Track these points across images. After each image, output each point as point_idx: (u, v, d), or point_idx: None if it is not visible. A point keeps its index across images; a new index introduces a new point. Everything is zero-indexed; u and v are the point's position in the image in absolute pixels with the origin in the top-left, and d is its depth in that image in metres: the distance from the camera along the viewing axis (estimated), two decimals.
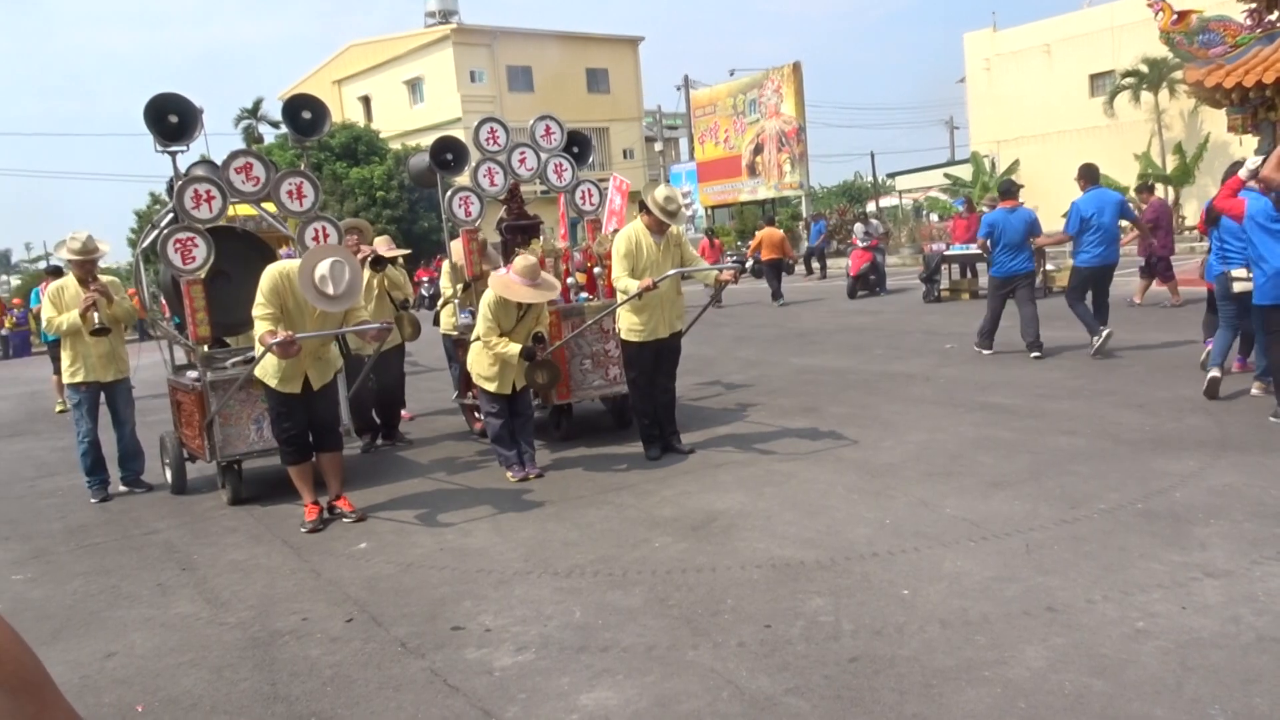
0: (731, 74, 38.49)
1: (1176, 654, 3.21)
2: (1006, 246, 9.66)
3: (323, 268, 5.36)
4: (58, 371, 12.58)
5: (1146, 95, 29.42)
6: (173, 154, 6.61)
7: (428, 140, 6.73)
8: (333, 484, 5.98)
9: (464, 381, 7.85)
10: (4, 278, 56.53)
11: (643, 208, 6.56)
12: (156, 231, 7.57)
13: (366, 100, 46.11)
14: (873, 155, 73.14)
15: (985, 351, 9.90)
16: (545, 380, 6.53)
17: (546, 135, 8.18)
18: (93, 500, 7.00)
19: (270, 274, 5.56)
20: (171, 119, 6.44)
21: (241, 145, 45.90)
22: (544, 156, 8.07)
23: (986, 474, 5.55)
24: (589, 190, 8.30)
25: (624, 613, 4.00)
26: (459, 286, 8.21)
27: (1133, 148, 29.36)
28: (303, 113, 7.03)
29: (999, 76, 35.59)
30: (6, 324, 26.92)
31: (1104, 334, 9.04)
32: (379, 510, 5.99)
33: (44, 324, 7.05)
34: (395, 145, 36.51)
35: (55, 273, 13.67)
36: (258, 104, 47.00)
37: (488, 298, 6.44)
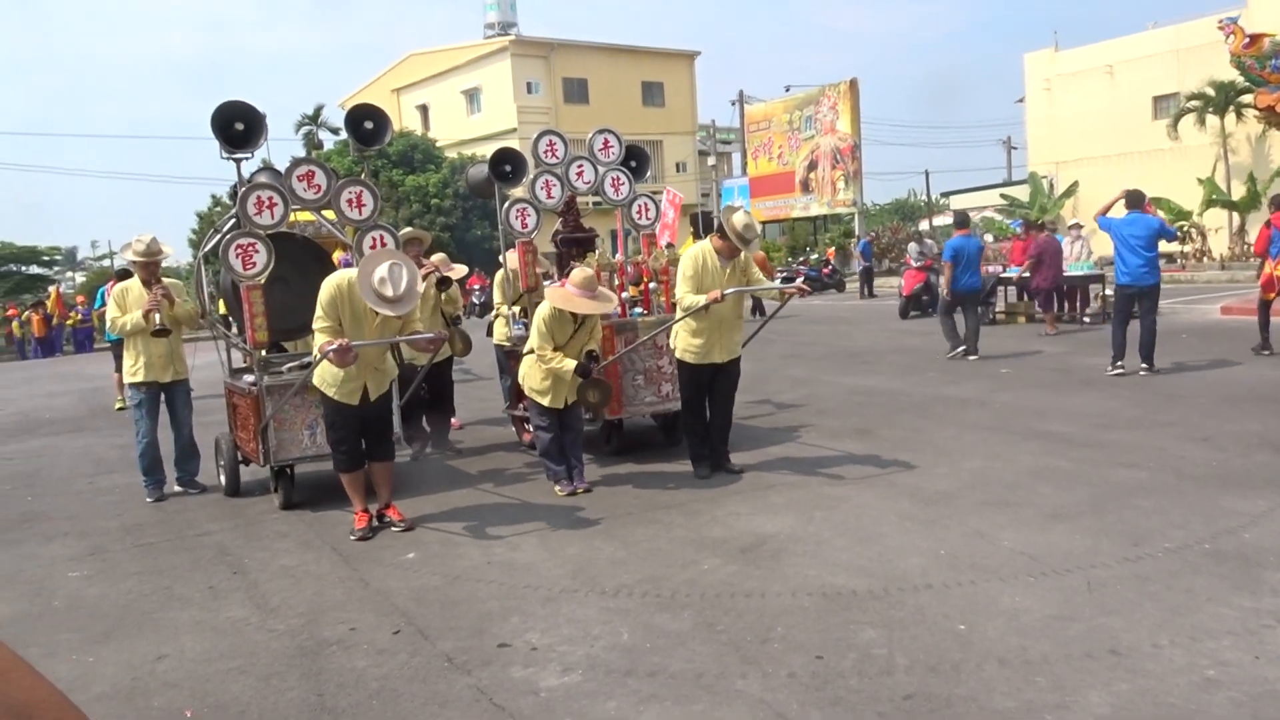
0: (787, 90, 38.38)
1: (1250, 706, 3.08)
2: (966, 268, 11.61)
3: (381, 270, 5.40)
4: (119, 369, 12.88)
5: (1212, 119, 28.76)
6: (237, 161, 6.70)
7: (483, 150, 6.79)
8: (383, 492, 6.00)
9: (515, 393, 7.85)
10: (70, 274, 58.02)
11: (718, 230, 6.47)
12: (218, 235, 7.62)
13: (424, 109, 46.71)
14: (927, 174, 72.53)
15: (972, 357, 11.62)
16: (597, 399, 6.48)
17: (605, 149, 8.16)
18: (148, 499, 7.09)
19: (329, 286, 5.60)
20: (237, 126, 6.54)
21: (302, 151, 46.78)
22: (601, 170, 8.04)
23: (1045, 505, 5.41)
24: (645, 204, 8.24)
25: (672, 636, 3.95)
26: (511, 298, 8.22)
27: (1196, 172, 28.70)
28: (365, 122, 7.09)
29: (1059, 97, 35.05)
30: (71, 319, 27.62)
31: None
32: (427, 520, 6.00)
33: (108, 324, 7.13)
34: (451, 154, 36.90)
35: (123, 275, 13.96)
36: (318, 110, 47.80)
37: (543, 311, 6.39)
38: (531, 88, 42.28)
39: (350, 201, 6.85)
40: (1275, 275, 9.69)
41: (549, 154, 7.89)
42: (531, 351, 6.45)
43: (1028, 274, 14.89)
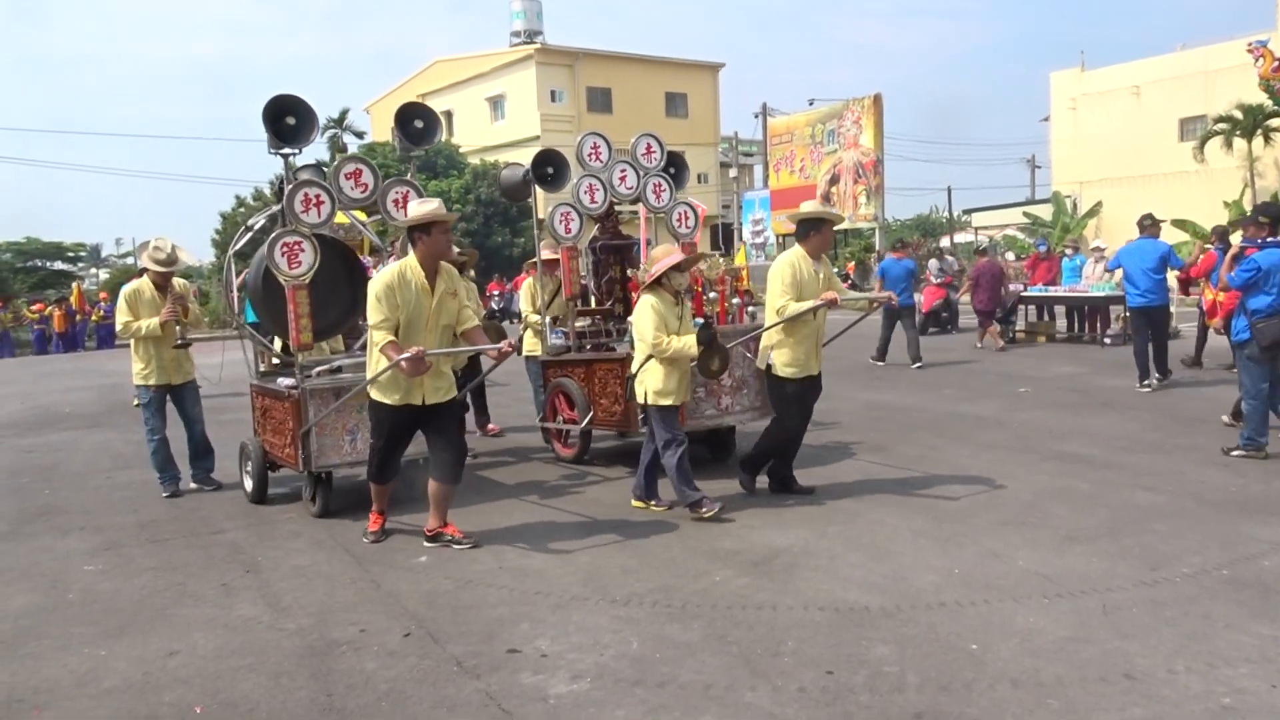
0: (811, 103, 38.32)
1: None
2: (893, 285, 12.88)
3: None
4: None
5: (1239, 142, 28.53)
6: (286, 156, 6.60)
7: (506, 157, 6.71)
8: (436, 514, 5.57)
9: (549, 406, 7.78)
10: (94, 271, 58.56)
11: (805, 231, 6.19)
12: (249, 232, 7.53)
13: (449, 115, 46.88)
14: (949, 190, 72.27)
15: (879, 363, 13.25)
16: (720, 366, 6.13)
17: (647, 154, 7.93)
18: (164, 495, 7.13)
19: (383, 279, 5.27)
20: (288, 120, 6.44)
21: (326, 155, 47.12)
22: (643, 176, 7.83)
23: (1062, 527, 5.36)
24: (685, 212, 8.04)
25: (682, 647, 3.94)
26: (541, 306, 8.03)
27: (1222, 195, 28.49)
28: (415, 121, 6.95)
29: (1085, 116, 34.90)
30: (95, 315, 27.87)
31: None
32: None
33: (119, 327, 7.15)
34: (474, 160, 37.08)
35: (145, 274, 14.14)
36: (343, 114, 48.15)
37: (649, 302, 5.88)
38: (555, 96, 42.45)
39: (396, 202, 6.70)
40: (1218, 301, 9.76)
41: (593, 157, 7.70)
42: (651, 352, 5.86)
43: (967, 295, 15.83)
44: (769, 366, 6.19)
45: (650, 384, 5.93)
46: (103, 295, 30.52)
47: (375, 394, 5.42)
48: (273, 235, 6.20)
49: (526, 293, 8.61)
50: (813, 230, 6.17)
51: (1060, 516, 5.59)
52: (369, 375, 5.44)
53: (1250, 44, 27.26)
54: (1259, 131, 28.15)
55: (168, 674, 3.91)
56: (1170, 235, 16.80)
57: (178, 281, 7.16)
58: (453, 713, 3.45)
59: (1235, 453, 6.98)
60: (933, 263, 19.54)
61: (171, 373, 7.12)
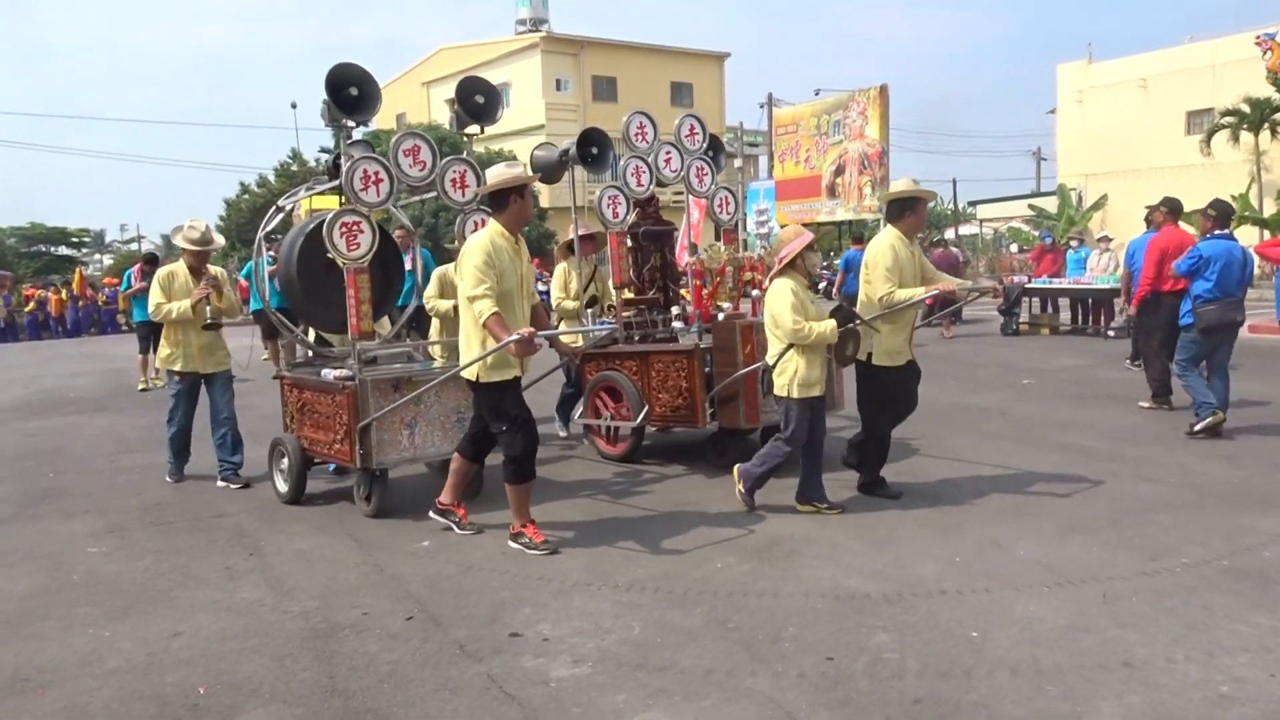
0: (817, 94, 38.25)
1: None
2: (852, 276, 12.79)
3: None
4: (143, 351, 13.04)
5: (1246, 136, 28.43)
6: (343, 129, 6.26)
7: (510, 145, 6.53)
8: (452, 487, 5.47)
9: (590, 402, 7.38)
10: (98, 257, 58.65)
11: (899, 211, 5.85)
12: (280, 214, 7.16)
13: (454, 102, 46.91)
14: (955, 182, 72.12)
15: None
16: (853, 352, 5.72)
17: (690, 135, 7.55)
18: (168, 479, 7.11)
19: (480, 247, 4.98)
20: (351, 91, 6.12)
21: (331, 142, 47.09)
22: (686, 159, 7.47)
23: (1063, 517, 5.37)
24: (726, 197, 7.68)
25: (683, 633, 3.95)
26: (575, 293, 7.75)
27: (1229, 189, 28.35)
28: (476, 96, 6.57)
29: (1091, 109, 34.80)
30: (99, 300, 27.92)
31: None
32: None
33: (151, 309, 6.82)
34: (478, 148, 37.02)
35: (150, 259, 14.13)
36: None
37: (787, 286, 5.50)
38: (561, 85, 42.38)
39: (454, 182, 6.37)
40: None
41: (639, 138, 7.25)
42: (793, 339, 5.45)
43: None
44: (869, 356, 5.81)
45: (800, 376, 5.49)
46: (108, 280, 30.54)
47: (488, 375, 5.06)
48: (331, 215, 5.85)
49: (560, 278, 8.13)
50: (907, 210, 5.83)
51: (1061, 507, 5.59)
52: (468, 353, 5.10)
53: (1258, 37, 27.15)
54: (1266, 125, 28.07)
55: (171, 655, 3.93)
56: None
57: (213, 268, 6.94)
58: (455, 695, 3.47)
59: (1198, 428, 7.32)
60: (939, 253, 19.48)
61: (200, 361, 6.88)
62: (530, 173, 6.03)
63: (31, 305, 27.38)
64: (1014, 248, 25.78)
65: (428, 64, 48.47)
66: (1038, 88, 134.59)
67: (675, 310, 7.58)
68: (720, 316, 7.06)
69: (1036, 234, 27.84)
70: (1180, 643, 3.66)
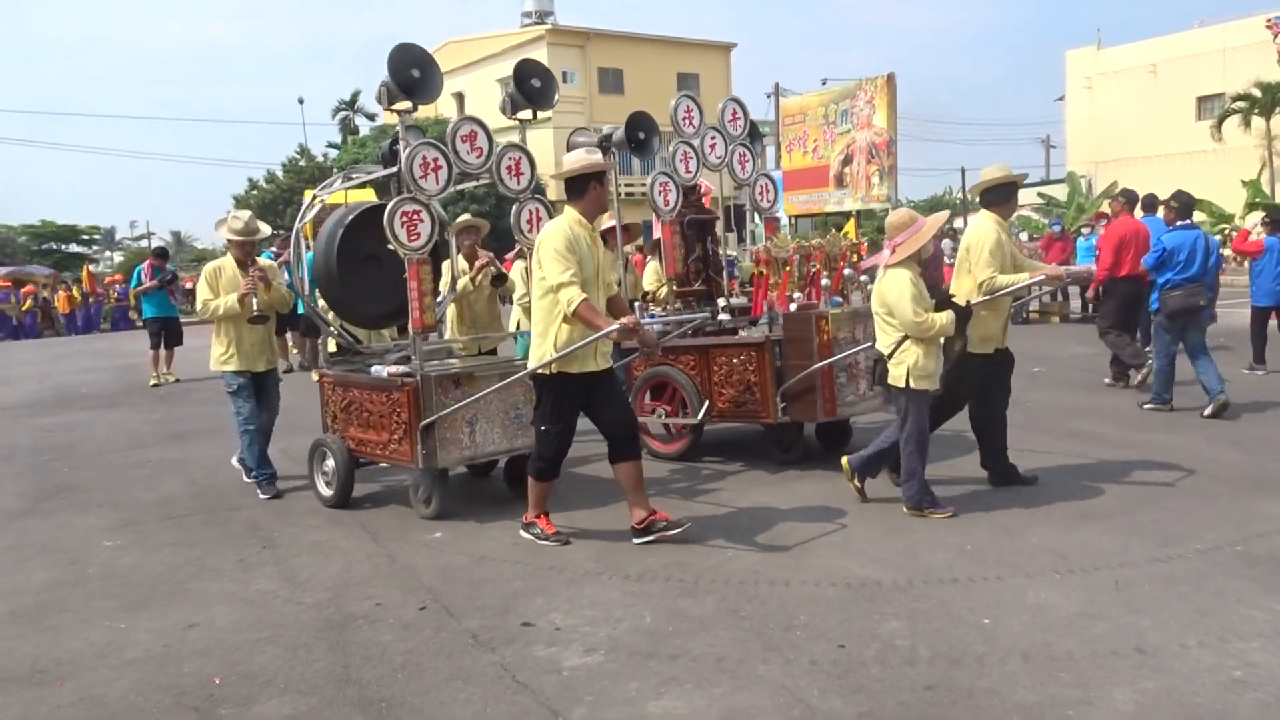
0: (824, 83, 38.16)
1: (1277, 708, 3.04)
2: None
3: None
4: (154, 347, 13.10)
5: (1258, 120, 28.28)
6: (402, 112, 5.92)
7: (517, 138, 6.21)
8: (642, 496, 5.11)
9: (639, 398, 7.07)
10: (108, 254, 58.89)
11: (1001, 197, 5.77)
12: (320, 205, 6.87)
13: (460, 96, 46.87)
14: (963, 170, 71.87)
15: None
16: (962, 346, 5.54)
17: (734, 120, 7.28)
18: (262, 496, 6.42)
19: (560, 232, 4.82)
20: (413, 73, 5.82)
21: (338, 137, 47.19)
22: (730, 145, 7.23)
23: (1074, 504, 5.36)
24: (766, 185, 7.41)
25: (695, 621, 3.97)
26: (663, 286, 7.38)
27: (1240, 174, 28.27)
28: (532, 80, 6.31)
29: (1100, 96, 34.66)
30: (111, 298, 28.06)
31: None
32: (457, 499, 5.96)
33: (198, 306, 6.55)
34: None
35: (160, 254, 14.20)
36: (355, 96, 48.16)
37: (906, 276, 5.26)
38: (567, 77, 42.28)
39: (510, 169, 6.09)
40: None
41: (687, 122, 6.99)
42: (912, 331, 5.23)
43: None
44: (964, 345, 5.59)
45: (912, 366, 5.27)
46: (118, 277, 30.68)
47: (560, 366, 4.88)
48: (392, 204, 5.60)
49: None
50: (1009, 195, 5.83)
51: (1073, 494, 5.59)
52: (543, 344, 4.90)
53: (1269, 20, 26.98)
54: (1277, 110, 27.89)
55: (187, 646, 3.97)
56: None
57: (264, 262, 6.71)
58: (468, 684, 3.49)
59: (1147, 406, 8.09)
60: (946, 243, 19.44)
61: (253, 359, 6.52)
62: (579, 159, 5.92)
63: (29, 303, 27.44)
64: (1024, 236, 25.71)
65: (434, 57, 48.43)
66: (1046, 74, 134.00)
67: (721, 302, 7.30)
68: (793, 307, 6.64)
69: (1046, 222, 27.74)
70: (1193, 628, 3.66)
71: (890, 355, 5.35)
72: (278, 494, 6.44)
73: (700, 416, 6.66)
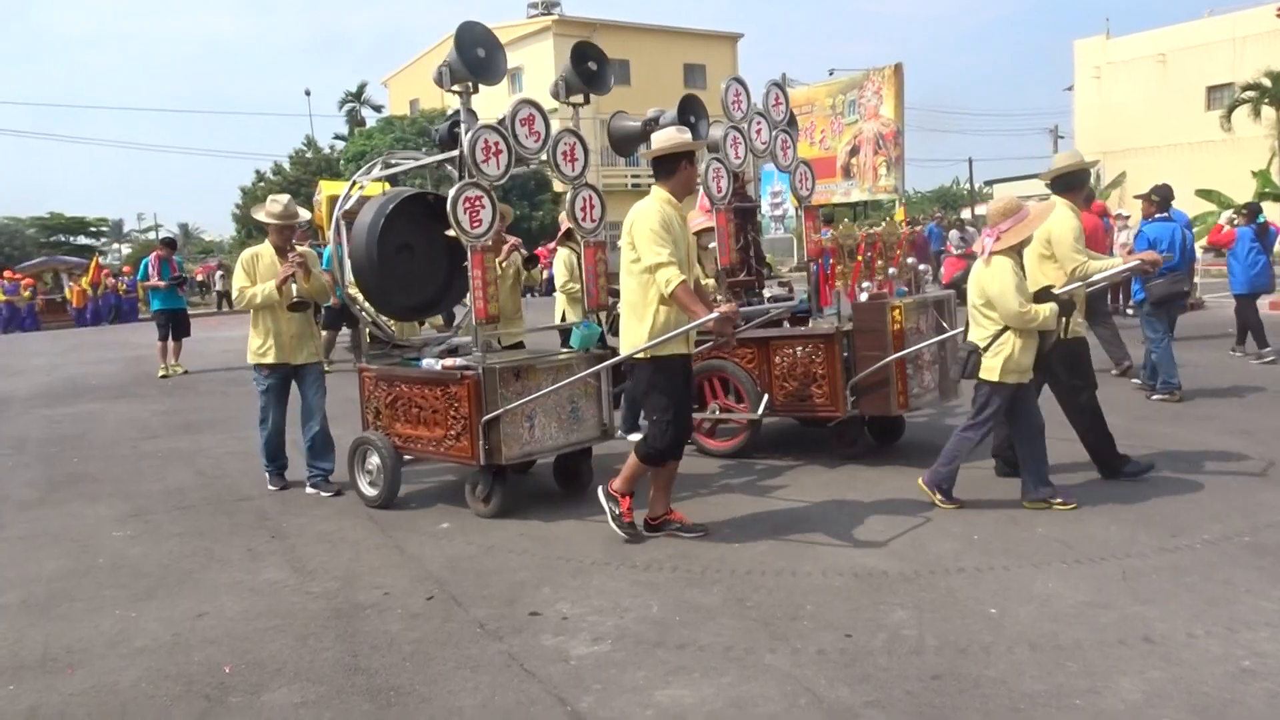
0: (831, 74, 37.99)
1: None
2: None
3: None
4: (162, 339, 13.15)
5: (1268, 110, 28.11)
6: (463, 93, 5.71)
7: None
8: (660, 496, 5.06)
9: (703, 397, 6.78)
10: (116, 246, 59.05)
11: (1078, 184, 5.70)
12: (359, 191, 6.59)
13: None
14: (970, 161, 71.63)
15: None
16: (1055, 339, 5.36)
17: (776, 105, 7.06)
18: (271, 487, 6.39)
19: (654, 213, 4.68)
20: (478, 52, 5.61)
21: (345, 129, 47.21)
22: (773, 131, 7.00)
23: (1081, 494, 5.35)
24: (805, 173, 7.18)
25: (702, 611, 3.98)
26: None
27: (1248, 165, 28.10)
28: (589, 63, 6.10)
29: (1109, 85, 34.49)
30: (119, 289, 28.12)
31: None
32: (458, 491, 5.94)
33: (235, 295, 6.21)
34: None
35: (168, 244, 14.22)
36: (361, 88, 48.20)
37: (1009, 266, 5.09)
38: None
39: (565, 154, 5.87)
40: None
41: (736, 106, 6.71)
42: (1016, 321, 5.06)
43: None
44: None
45: (1009, 359, 5.09)
46: (126, 269, 30.75)
47: (657, 349, 4.70)
48: (455, 189, 5.38)
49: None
50: (1083, 182, 5.81)
51: (1080, 484, 5.57)
52: (636, 328, 4.74)
53: (1279, 9, 26.79)
54: None
55: (197, 635, 3.99)
56: (1195, 205, 16.67)
57: (301, 246, 6.46)
58: (476, 673, 3.51)
59: (1156, 397, 8.10)
60: (954, 233, 19.42)
61: (292, 351, 6.18)
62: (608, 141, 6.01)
63: (28, 294, 27.49)
64: None
65: (440, 49, 48.32)
66: (1055, 64, 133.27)
67: (768, 293, 7.17)
68: (863, 297, 6.46)
69: None
70: (1201, 618, 3.65)
71: (986, 347, 5.16)
72: (285, 485, 6.40)
73: (761, 411, 6.42)
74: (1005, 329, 5.11)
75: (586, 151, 5.92)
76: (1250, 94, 28.29)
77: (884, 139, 35.11)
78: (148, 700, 3.43)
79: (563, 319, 7.43)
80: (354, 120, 47.29)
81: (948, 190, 45.92)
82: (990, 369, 5.15)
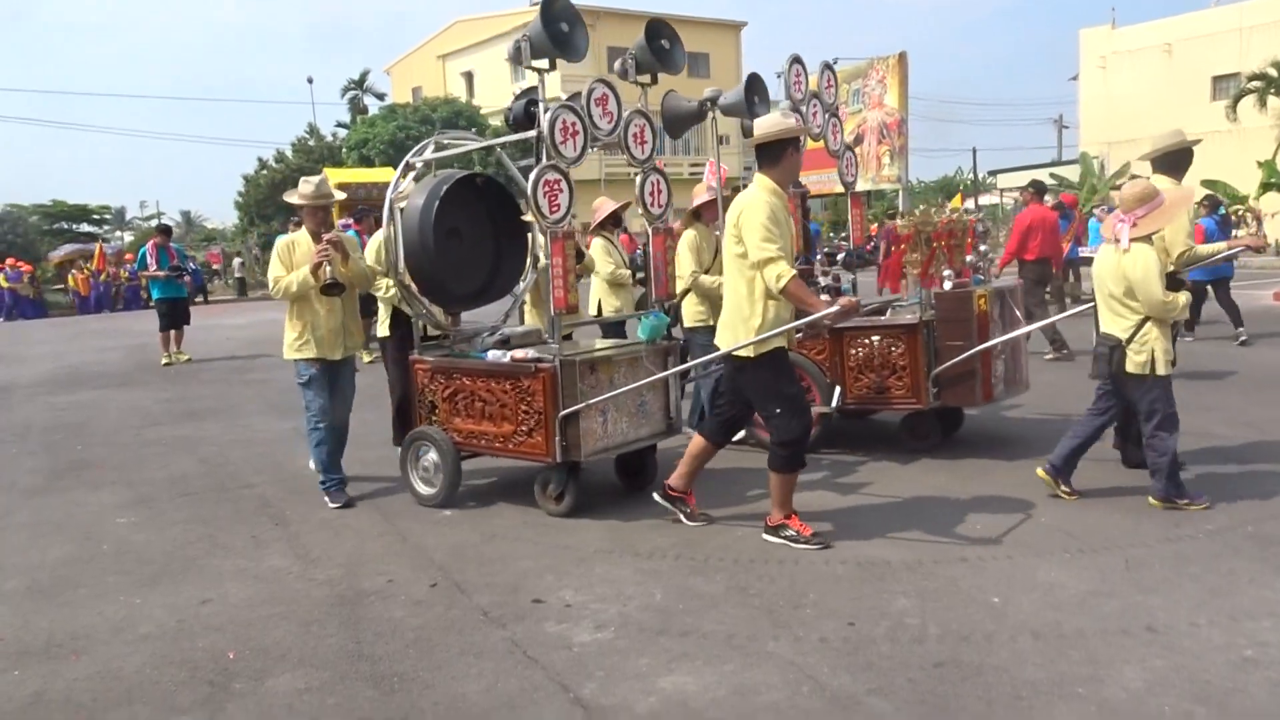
0: (835, 62, 37.90)
1: None
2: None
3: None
4: (163, 328, 13.14)
5: (1273, 100, 27.99)
6: (543, 70, 5.37)
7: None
8: (687, 472, 5.04)
9: None
10: (119, 233, 59.06)
11: (1185, 162, 5.51)
12: (412, 174, 6.16)
13: (469, 76, 46.77)
14: (974, 151, 71.48)
15: None
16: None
17: (828, 88, 6.97)
18: (332, 505, 5.68)
19: (763, 204, 4.45)
20: (562, 27, 5.31)
21: (347, 116, 47.13)
22: (826, 115, 6.84)
23: (1085, 484, 5.35)
24: (851, 159, 7.12)
25: (705, 599, 3.98)
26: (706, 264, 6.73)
27: (1255, 154, 28.02)
28: (661, 41, 5.81)
29: (1115, 75, 34.37)
30: (122, 276, 28.11)
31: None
32: (469, 479, 5.89)
33: (270, 284, 5.73)
34: (495, 122, 37.00)
35: (164, 232, 14.18)
36: (364, 76, 48.07)
37: (1152, 253, 4.87)
38: None
39: (635, 136, 5.62)
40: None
41: (796, 87, 6.57)
42: (1139, 324, 4.91)
43: None
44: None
45: (1159, 350, 4.89)
46: (129, 256, 30.74)
47: (761, 347, 4.52)
48: (535, 172, 5.10)
49: (689, 247, 6.52)
50: (1187, 161, 5.58)
51: (1083, 473, 5.55)
52: (739, 324, 4.57)
53: None
54: None
55: (201, 621, 4.00)
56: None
57: (338, 229, 6.08)
58: (479, 659, 3.52)
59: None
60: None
61: (330, 346, 5.71)
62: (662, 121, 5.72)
63: (26, 281, 27.48)
64: None
65: (443, 37, 48.32)
66: (1060, 54, 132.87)
67: (822, 282, 6.98)
68: (947, 285, 6.21)
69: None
70: (1204, 608, 3.66)
71: (1129, 340, 4.91)
72: (349, 502, 5.73)
73: (834, 404, 6.16)
74: (1146, 319, 4.87)
75: (655, 134, 5.71)
76: (1256, 84, 28.18)
77: (888, 128, 35.00)
78: (152, 686, 3.44)
79: (598, 309, 7.22)
80: (356, 108, 47.20)
81: (951, 180, 45.82)
82: (1141, 364, 4.89)
